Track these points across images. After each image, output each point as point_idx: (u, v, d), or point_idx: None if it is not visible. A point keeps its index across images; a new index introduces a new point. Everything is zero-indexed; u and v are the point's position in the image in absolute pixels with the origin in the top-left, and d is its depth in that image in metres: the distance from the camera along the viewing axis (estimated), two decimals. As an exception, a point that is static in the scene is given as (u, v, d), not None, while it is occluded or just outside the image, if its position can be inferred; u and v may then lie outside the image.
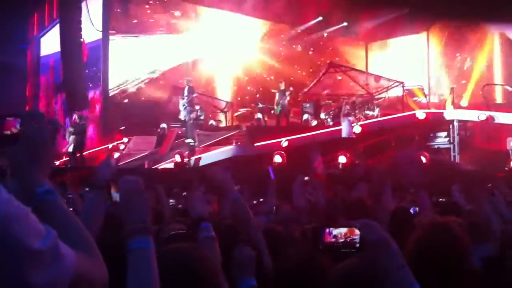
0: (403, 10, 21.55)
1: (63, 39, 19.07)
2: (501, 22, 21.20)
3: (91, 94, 20.32)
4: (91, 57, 20.07)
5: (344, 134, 15.06)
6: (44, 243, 1.18)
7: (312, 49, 23.98)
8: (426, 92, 21.42)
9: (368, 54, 25.27)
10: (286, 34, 23.41)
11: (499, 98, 21.99)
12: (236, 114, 19.11)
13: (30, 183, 1.46)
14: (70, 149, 15.60)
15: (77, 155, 15.52)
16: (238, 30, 22.42)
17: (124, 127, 19.08)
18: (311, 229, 3.09)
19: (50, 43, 23.38)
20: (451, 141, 16.86)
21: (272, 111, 17.71)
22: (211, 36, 21.87)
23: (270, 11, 22.65)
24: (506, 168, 14.43)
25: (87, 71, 19.86)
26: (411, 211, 4.46)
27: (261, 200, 5.85)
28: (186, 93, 17.81)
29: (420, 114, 16.89)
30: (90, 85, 20.34)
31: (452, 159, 16.68)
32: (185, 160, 15.17)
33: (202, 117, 17.86)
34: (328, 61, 21.18)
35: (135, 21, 21.08)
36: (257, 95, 21.18)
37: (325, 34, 23.81)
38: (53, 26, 22.18)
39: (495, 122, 16.38)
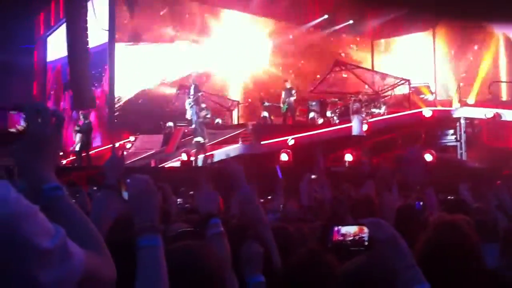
0: (408, 8, 21.47)
1: (69, 39, 19.13)
2: (502, 22, 21.13)
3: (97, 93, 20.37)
4: (95, 60, 20.08)
5: (354, 131, 14.89)
6: (52, 242, 1.18)
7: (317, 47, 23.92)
8: (433, 89, 21.34)
9: (374, 52, 25.20)
10: (292, 32, 23.37)
11: (505, 96, 21.90)
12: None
13: (36, 180, 1.43)
14: (77, 148, 15.64)
15: (83, 154, 15.55)
16: (247, 34, 22.42)
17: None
18: (319, 228, 3.09)
19: (56, 42, 23.45)
20: (458, 138, 16.80)
21: (281, 109, 17.67)
22: (221, 44, 21.83)
23: (276, 10, 22.63)
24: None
25: (93, 72, 19.90)
26: (416, 205, 4.45)
27: (269, 197, 5.85)
28: (192, 91, 17.84)
29: (427, 112, 16.83)
30: (96, 84, 20.36)
31: (459, 157, 16.62)
32: (192, 158, 15.18)
33: (208, 116, 17.88)
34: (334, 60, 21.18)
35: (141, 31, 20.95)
36: (261, 93, 21.14)
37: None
38: (60, 26, 22.23)
39: (502, 119, 16.31)
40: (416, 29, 23.58)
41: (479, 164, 15.31)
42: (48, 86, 24.75)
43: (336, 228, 1.85)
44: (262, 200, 5.70)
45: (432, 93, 20.72)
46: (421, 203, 4.34)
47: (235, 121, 20.56)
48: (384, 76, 20.50)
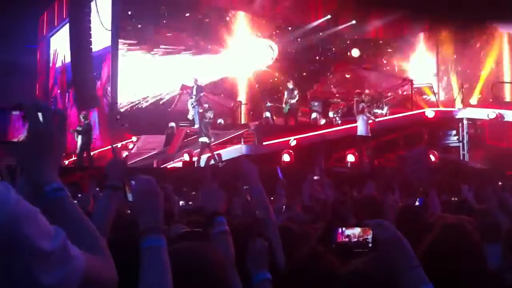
0: (411, 8, 21.44)
1: (72, 39, 19.18)
2: (506, 22, 21.11)
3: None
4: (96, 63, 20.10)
5: (360, 131, 14.80)
6: (53, 243, 1.17)
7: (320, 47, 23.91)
8: (435, 90, 21.32)
9: (377, 52, 25.16)
10: (294, 32, 23.36)
11: (508, 96, 21.87)
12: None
13: (39, 180, 1.42)
14: (78, 149, 15.67)
15: (84, 154, 15.57)
16: (248, 35, 22.42)
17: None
18: (323, 228, 3.09)
19: (59, 42, 23.49)
20: (461, 139, 16.78)
21: (283, 110, 17.67)
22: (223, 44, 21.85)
23: (278, 10, 22.62)
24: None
25: (95, 73, 19.92)
26: (417, 203, 4.45)
27: (271, 198, 5.85)
28: (194, 92, 17.86)
29: (429, 113, 16.82)
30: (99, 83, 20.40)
31: (461, 158, 16.60)
32: (194, 159, 15.20)
33: (211, 116, 17.89)
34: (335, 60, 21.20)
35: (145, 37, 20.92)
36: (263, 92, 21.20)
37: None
38: (63, 26, 22.27)
39: (504, 120, 16.29)
40: (419, 29, 23.56)
41: (481, 165, 15.29)
42: (52, 86, 24.77)
43: (340, 230, 1.85)
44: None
45: (434, 93, 20.69)
46: (421, 198, 4.34)
47: (237, 122, 20.55)
48: (386, 76, 20.46)
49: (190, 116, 18.25)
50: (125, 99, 20.29)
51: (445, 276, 1.84)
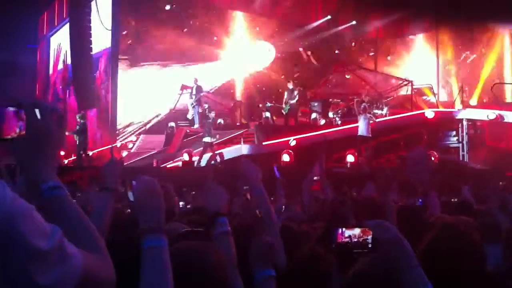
0: (411, 9, 21.45)
1: (72, 38, 19.17)
2: (508, 22, 21.12)
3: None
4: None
5: (361, 132, 14.80)
6: (49, 242, 1.16)
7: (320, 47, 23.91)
8: (435, 91, 21.32)
9: (377, 52, 25.17)
10: (295, 33, 23.36)
11: (508, 97, 21.87)
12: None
13: (37, 178, 1.41)
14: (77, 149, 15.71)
15: (82, 154, 15.61)
16: (247, 34, 22.41)
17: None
18: (323, 228, 3.09)
19: (59, 42, 23.49)
20: (460, 140, 16.79)
21: (282, 110, 17.67)
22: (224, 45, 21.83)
23: (279, 10, 22.62)
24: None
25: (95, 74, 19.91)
26: (418, 202, 4.44)
27: (271, 198, 5.85)
28: (194, 92, 17.87)
29: (429, 113, 16.83)
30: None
31: (461, 158, 16.61)
32: (194, 159, 15.21)
33: (212, 116, 17.89)
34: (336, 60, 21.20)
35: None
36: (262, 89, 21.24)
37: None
38: (63, 25, 22.26)
39: (504, 121, 16.30)
40: (419, 29, 23.56)
41: (481, 166, 15.30)
42: (53, 85, 24.75)
43: (340, 230, 1.85)
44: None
45: (434, 94, 20.70)
46: (421, 202, 4.34)
47: (237, 122, 20.55)
48: (386, 77, 20.46)
49: (189, 116, 18.26)
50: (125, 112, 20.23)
51: (444, 276, 1.84)
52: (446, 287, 1.80)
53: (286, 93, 17.42)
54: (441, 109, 18.27)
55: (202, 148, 15.21)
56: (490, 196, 3.97)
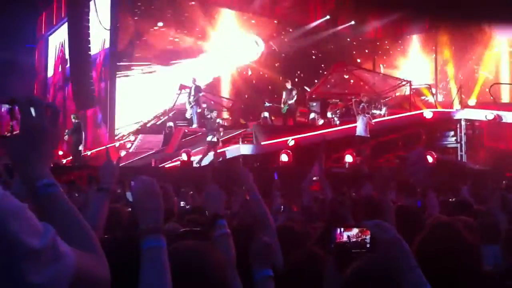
0: (410, 10, 21.46)
1: (71, 38, 19.16)
2: (504, 25, 21.16)
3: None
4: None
5: (358, 132, 14.79)
6: (42, 241, 1.14)
7: (319, 47, 23.92)
8: (434, 91, 21.33)
9: (375, 52, 25.20)
10: (294, 32, 23.38)
11: (507, 98, 21.90)
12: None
13: (31, 175, 1.38)
14: (80, 148, 15.70)
15: (81, 153, 15.62)
16: (248, 34, 22.41)
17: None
18: (322, 229, 3.10)
19: (58, 41, 23.47)
20: (458, 140, 16.80)
21: (281, 110, 17.67)
22: (221, 44, 21.80)
23: (278, 10, 22.63)
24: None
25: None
26: (417, 204, 4.45)
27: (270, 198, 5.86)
28: (193, 92, 17.87)
29: (428, 113, 16.83)
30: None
31: (459, 158, 16.61)
32: (192, 159, 15.20)
33: (208, 116, 17.88)
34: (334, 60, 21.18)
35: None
36: (258, 92, 21.25)
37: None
38: (61, 25, 22.25)
39: (503, 121, 16.31)
40: (417, 30, 23.58)
41: (479, 166, 15.31)
42: (52, 85, 24.74)
43: (339, 230, 1.85)
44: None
45: (433, 94, 20.70)
46: (420, 203, 4.34)
47: (235, 121, 20.55)
48: (385, 77, 20.46)
49: (188, 115, 18.25)
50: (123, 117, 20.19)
51: (436, 276, 1.83)
52: (440, 287, 1.80)
53: (284, 93, 17.42)
54: (439, 109, 18.27)
55: (206, 147, 15.22)
56: (490, 196, 3.97)
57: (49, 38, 24.91)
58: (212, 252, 1.97)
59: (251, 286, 2.23)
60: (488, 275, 2.54)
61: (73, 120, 15.96)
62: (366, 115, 14.88)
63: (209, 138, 15.07)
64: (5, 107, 1.41)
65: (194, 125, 17.87)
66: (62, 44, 22.88)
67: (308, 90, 19.93)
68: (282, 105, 17.45)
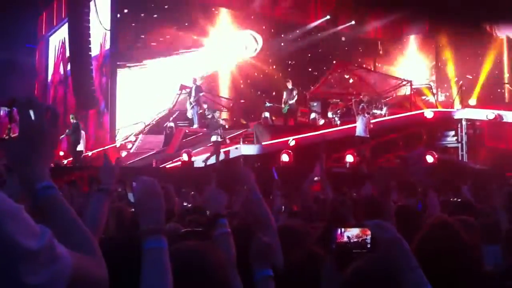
0: (411, 9, 21.46)
1: (71, 38, 19.16)
2: (505, 25, 21.17)
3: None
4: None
5: (358, 132, 14.78)
6: (38, 242, 1.13)
7: (319, 47, 23.91)
8: (434, 91, 21.33)
9: (376, 52, 25.19)
10: (294, 33, 23.37)
11: (507, 97, 21.89)
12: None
13: (30, 178, 1.38)
14: (79, 148, 15.70)
15: (77, 154, 15.62)
16: (247, 34, 22.41)
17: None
18: (322, 228, 3.10)
19: (58, 42, 23.48)
20: (459, 140, 16.79)
21: (282, 110, 17.67)
22: (221, 44, 21.82)
23: (278, 10, 22.63)
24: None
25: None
26: (418, 206, 4.45)
27: (270, 198, 5.86)
28: (193, 92, 17.87)
29: (428, 113, 16.82)
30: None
31: (460, 158, 16.61)
32: (193, 159, 15.21)
33: (209, 116, 17.90)
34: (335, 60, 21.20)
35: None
36: (258, 92, 21.25)
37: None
38: (62, 25, 22.26)
39: (503, 121, 16.30)
40: (418, 30, 23.57)
41: (480, 166, 15.30)
42: (52, 85, 24.75)
43: (339, 230, 1.85)
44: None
45: (433, 94, 20.71)
46: (421, 204, 4.34)
47: (236, 121, 20.56)
48: (385, 77, 20.47)
49: (189, 115, 18.26)
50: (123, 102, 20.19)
51: (435, 276, 1.83)
52: (437, 286, 1.80)
53: (285, 93, 17.42)
54: (440, 109, 18.27)
55: (213, 147, 15.23)
56: (493, 195, 3.96)
57: (49, 39, 24.92)
58: (213, 253, 1.97)
59: (251, 286, 2.23)
60: (488, 275, 2.54)
61: (71, 120, 15.97)
62: (366, 115, 14.87)
63: (213, 138, 15.08)
64: (4, 110, 1.40)
65: (195, 126, 17.89)
66: (62, 44, 22.89)
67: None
68: (282, 105, 17.45)
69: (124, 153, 17.43)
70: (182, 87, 19.28)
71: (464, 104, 18.48)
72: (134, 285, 1.61)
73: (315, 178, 4.91)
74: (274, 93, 19.87)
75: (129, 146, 18.59)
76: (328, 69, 20.79)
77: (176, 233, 2.69)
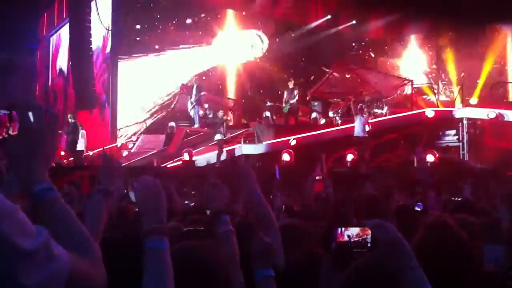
0: (412, 8, 21.44)
1: (72, 38, 19.16)
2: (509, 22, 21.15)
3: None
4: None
5: (356, 132, 14.82)
6: (34, 242, 1.13)
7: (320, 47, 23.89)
8: (435, 90, 21.32)
9: (377, 52, 25.17)
10: (295, 32, 23.36)
11: (510, 96, 21.86)
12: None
13: (28, 180, 1.38)
14: (80, 148, 15.71)
15: (78, 153, 15.64)
16: (246, 34, 22.41)
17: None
18: (324, 228, 3.10)
19: (60, 42, 23.49)
20: (460, 139, 16.77)
21: (283, 109, 17.67)
22: (221, 44, 21.81)
23: (279, 10, 22.63)
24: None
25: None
26: (417, 208, 4.44)
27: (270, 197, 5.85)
28: (194, 92, 17.88)
29: (429, 112, 16.81)
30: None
31: (461, 157, 16.59)
32: (194, 158, 15.22)
33: (210, 115, 17.91)
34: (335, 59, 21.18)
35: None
36: (261, 91, 21.26)
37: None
38: (63, 26, 22.26)
39: (505, 120, 16.28)
40: (419, 29, 23.55)
41: (481, 165, 15.28)
42: (53, 85, 24.76)
43: (340, 230, 1.85)
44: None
45: (434, 93, 20.69)
46: (421, 204, 4.34)
47: (237, 121, 20.57)
48: (387, 76, 20.46)
49: (191, 114, 18.28)
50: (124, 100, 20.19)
51: (434, 275, 1.83)
52: (438, 286, 1.80)
53: (286, 93, 17.42)
54: (441, 108, 18.26)
55: (217, 146, 15.25)
56: (494, 194, 3.95)
57: (50, 39, 24.92)
58: (214, 252, 1.97)
59: (251, 284, 2.23)
60: (489, 274, 2.54)
61: (69, 120, 15.97)
62: (364, 115, 14.91)
63: (217, 137, 15.11)
64: (3, 112, 1.41)
65: (196, 125, 17.90)
66: (64, 44, 22.92)
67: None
68: (283, 105, 17.45)
69: (125, 153, 17.43)
70: (183, 87, 19.28)
71: (465, 103, 18.46)
72: (136, 284, 1.61)
73: (317, 178, 4.91)
74: (278, 92, 19.85)
75: (130, 145, 18.59)
76: (329, 68, 20.77)
77: (177, 232, 2.69)
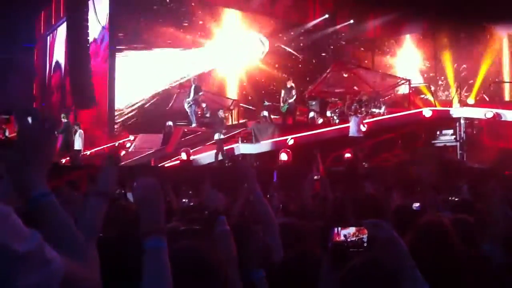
0: (409, 8, 21.46)
1: (69, 38, 19.13)
2: (505, 23, 21.17)
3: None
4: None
5: (351, 132, 14.87)
6: (27, 246, 1.13)
7: (318, 46, 23.90)
8: (433, 89, 21.34)
9: (374, 51, 25.19)
10: (293, 31, 23.37)
11: (506, 96, 21.90)
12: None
13: (26, 185, 1.39)
14: (78, 147, 15.67)
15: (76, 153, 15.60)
16: (246, 34, 22.41)
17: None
18: (321, 227, 3.10)
19: (57, 41, 23.45)
20: (458, 138, 16.79)
21: (281, 109, 17.67)
22: (220, 43, 21.80)
23: (277, 9, 22.63)
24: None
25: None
26: (415, 208, 4.45)
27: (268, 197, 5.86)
28: (192, 91, 17.87)
29: (427, 112, 16.82)
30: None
31: (459, 157, 16.61)
32: (192, 158, 15.22)
33: (207, 115, 17.90)
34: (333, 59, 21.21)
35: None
36: (262, 91, 21.26)
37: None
38: (61, 25, 22.24)
39: (502, 119, 16.30)
40: (417, 28, 23.57)
41: (478, 165, 15.30)
42: (51, 84, 24.72)
43: (336, 229, 1.85)
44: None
45: (432, 93, 20.71)
46: (419, 205, 4.34)
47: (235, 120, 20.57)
48: (384, 76, 20.48)
49: (188, 113, 18.28)
50: (122, 98, 20.21)
51: (429, 275, 1.83)
52: (435, 286, 1.80)
53: (283, 92, 17.42)
54: (438, 107, 18.27)
55: (217, 145, 15.25)
56: (492, 194, 3.95)
57: (48, 38, 24.88)
58: (212, 251, 1.98)
59: (249, 285, 2.23)
60: (487, 274, 2.54)
61: (62, 119, 15.92)
62: (358, 115, 14.95)
63: (216, 136, 15.12)
64: (1, 117, 1.41)
65: (193, 125, 17.89)
66: (61, 41, 22.90)
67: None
68: (281, 104, 17.46)
69: (122, 152, 17.42)
70: (181, 87, 19.28)
71: (463, 103, 18.48)
72: (134, 284, 1.61)
73: (315, 177, 4.92)
74: (276, 92, 19.88)
75: (128, 145, 18.57)
76: (326, 68, 20.78)
77: (174, 231, 2.69)
